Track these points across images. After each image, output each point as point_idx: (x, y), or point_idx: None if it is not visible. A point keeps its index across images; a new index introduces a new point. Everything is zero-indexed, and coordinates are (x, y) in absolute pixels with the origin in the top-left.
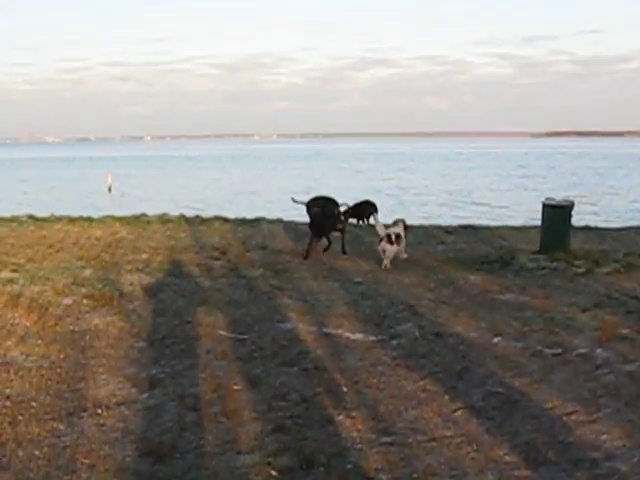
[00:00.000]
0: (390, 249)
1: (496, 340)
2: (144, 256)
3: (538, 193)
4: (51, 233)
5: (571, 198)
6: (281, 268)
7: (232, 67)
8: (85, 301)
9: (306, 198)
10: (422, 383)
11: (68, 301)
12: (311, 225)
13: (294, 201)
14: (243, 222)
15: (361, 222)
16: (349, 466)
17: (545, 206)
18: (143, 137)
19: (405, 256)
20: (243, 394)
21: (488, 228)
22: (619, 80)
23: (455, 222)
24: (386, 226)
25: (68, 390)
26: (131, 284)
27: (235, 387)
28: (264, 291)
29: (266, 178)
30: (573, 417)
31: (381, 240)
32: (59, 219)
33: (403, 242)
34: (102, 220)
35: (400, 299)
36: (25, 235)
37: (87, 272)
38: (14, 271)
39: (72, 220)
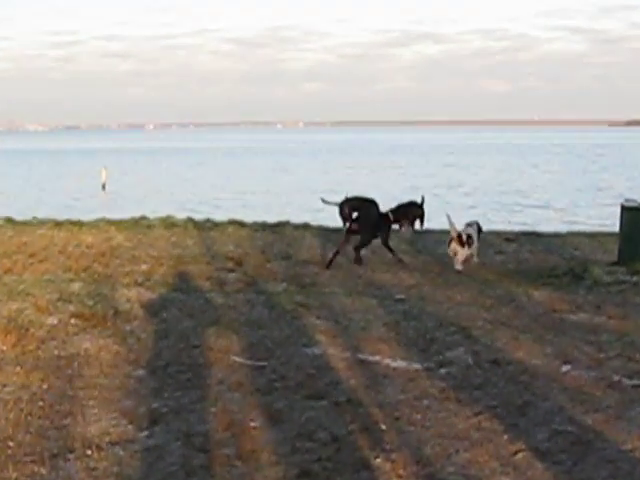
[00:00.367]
0: (462, 251)
1: (565, 369)
2: (144, 267)
3: (616, 193)
4: (33, 239)
5: None
6: (308, 282)
7: (250, 42)
8: (73, 321)
9: (338, 198)
10: (476, 420)
11: (53, 320)
12: (352, 229)
13: (324, 202)
14: (263, 227)
15: (403, 227)
16: None
17: (624, 209)
18: (145, 125)
19: (476, 260)
20: (261, 432)
21: (556, 235)
22: None
23: (515, 228)
24: None
25: (52, 427)
26: (128, 301)
27: (252, 424)
28: (287, 309)
29: (290, 174)
30: None
31: (451, 241)
32: (43, 223)
33: (475, 245)
34: (94, 224)
35: (450, 320)
36: (2, 242)
37: (76, 286)
38: None
39: (58, 224)
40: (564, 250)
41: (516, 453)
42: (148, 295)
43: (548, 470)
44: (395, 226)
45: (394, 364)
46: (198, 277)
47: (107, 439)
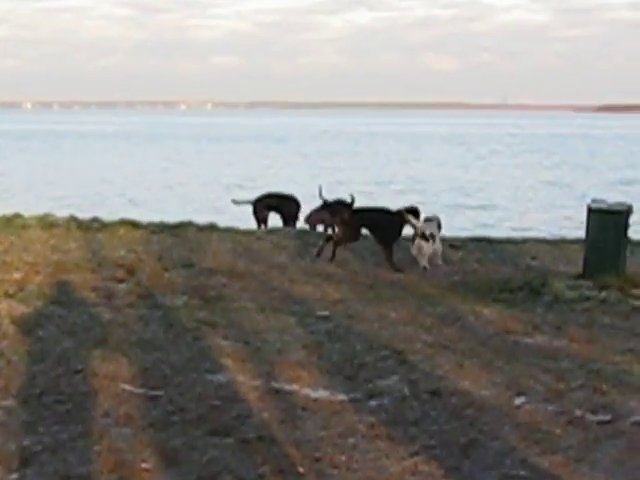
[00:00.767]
0: (427, 246)
1: (518, 401)
2: (17, 275)
3: (578, 193)
4: None
5: (627, 201)
6: (213, 295)
7: (149, 6)
8: None
9: (251, 196)
10: (412, 462)
11: None
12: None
13: (235, 202)
14: (160, 228)
15: (329, 229)
16: None
17: (591, 211)
18: (21, 103)
19: (440, 262)
20: (154, 476)
21: (509, 241)
22: None
23: (463, 233)
24: None
25: None
26: None
27: (143, 465)
28: (188, 328)
29: (193, 166)
30: None
31: (415, 237)
32: None
33: (438, 244)
34: None
35: (383, 342)
36: None
37: None
38: None
39: None
40: (519, 260)
41: None
42: (21, 309)
43: None
44: (319, 227)
45: (315, 394)
46: (82, 288)
47: None
